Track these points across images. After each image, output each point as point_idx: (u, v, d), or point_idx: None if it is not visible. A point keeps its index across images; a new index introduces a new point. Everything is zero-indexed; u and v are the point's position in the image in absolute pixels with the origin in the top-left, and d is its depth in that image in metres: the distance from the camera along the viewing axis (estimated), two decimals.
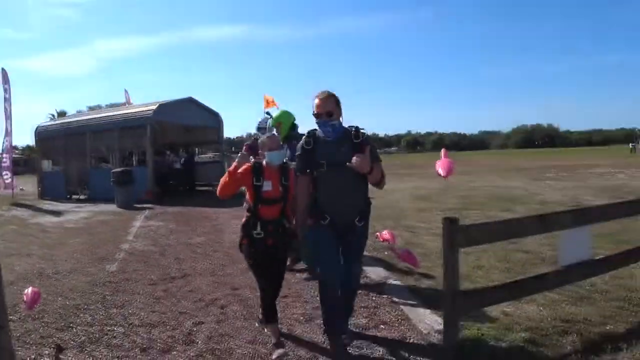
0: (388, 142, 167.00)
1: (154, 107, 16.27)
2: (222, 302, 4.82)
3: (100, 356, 3.60)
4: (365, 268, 5.65)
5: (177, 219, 11.04)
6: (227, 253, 7.12)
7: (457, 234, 3.14)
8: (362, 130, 3.53)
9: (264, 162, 3.62)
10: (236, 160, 3.60)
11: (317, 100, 3.51)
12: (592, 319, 4.10)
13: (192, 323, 4.24)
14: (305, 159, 3.52)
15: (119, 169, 14.75)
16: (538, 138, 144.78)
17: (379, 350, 3.61)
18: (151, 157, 16.38)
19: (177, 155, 18.77)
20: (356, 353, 3.58)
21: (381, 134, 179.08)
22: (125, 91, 26.08)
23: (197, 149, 23.25)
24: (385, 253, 6.49)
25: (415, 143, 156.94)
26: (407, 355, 3.52)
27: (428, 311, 4.35)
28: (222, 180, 3.59)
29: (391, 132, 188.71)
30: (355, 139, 3.49)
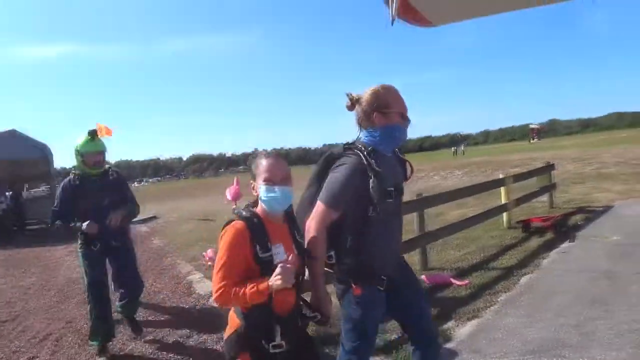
0: (235, 162, 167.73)
1: None
2: (57, 335, 5.01)
3: None
4: (195, 285, 6.28)
5: (6, 263, 10.41)
6: (61, 290, 7.14)
7: None
8: None
9: (259, 210, 2.14)
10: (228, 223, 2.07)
11: (396, 94, 2.50)
12: None
13: (26, 359, 4.43)
14: (378, 188, 2.31)
15: None
16: None
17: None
18: None
19: (1, 194, 17.32)
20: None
21: (228, 153, 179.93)
22: None
23: (25, 184, 21.59)
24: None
25: None
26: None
27: None
28: (218, 279, 1.97)
29: (238, 152, 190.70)
30: (401, 154, 2.69)
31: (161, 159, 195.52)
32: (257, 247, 2.00)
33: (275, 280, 1.89)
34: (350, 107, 2.54)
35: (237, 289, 1.94)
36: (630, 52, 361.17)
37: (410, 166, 2.69)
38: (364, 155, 2.35)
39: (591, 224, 8.25)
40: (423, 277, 5.65)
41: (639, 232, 7.31)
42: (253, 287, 1.92)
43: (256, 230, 2.03)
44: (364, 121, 2.49)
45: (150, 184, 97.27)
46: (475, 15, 6.16)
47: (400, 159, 2.64)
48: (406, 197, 2.93)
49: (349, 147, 2.46)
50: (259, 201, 2.12)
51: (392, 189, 2.41)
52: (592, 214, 9.17)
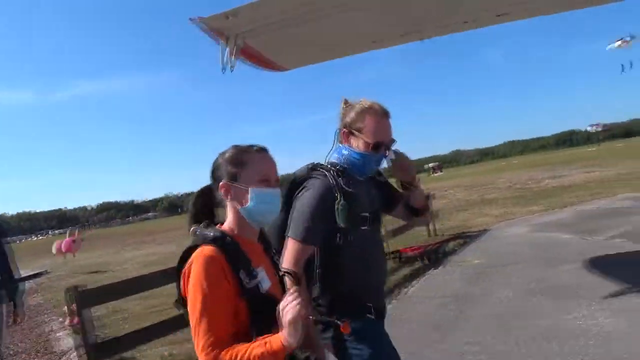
0: (146, 208, 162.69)
1: None
2: None
3: None
4: (60, 342, 6.04)
5: None
6: None
7: (85, 298, 3.84)
8: None
9: (227, 227, 1.59)
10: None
11: (383, 119, 2.11)
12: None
13: None
14: (347, 212, 1.97)
15: None
16: None
17: None
18: None
19: None
20: None
21: (138, 200, 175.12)
22: None
23: None
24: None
25: (174, 206, 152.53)
26: None
27: None
28: (203, 340, 1.33)
29: (149, 197, 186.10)
30: (379, 176, 2.35)
31: (68, 208, 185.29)
32: (242, 275, 1.43)
33: (288, 334, 1.31)
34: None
35: (235, 352, 1.31)
36: (519, 82, 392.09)
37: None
38: (332, 175, 2.03)
39: (463, 249, 8.80)
40: None
41: (499, 254, 7.89)
42: (264, 346, 1.32)
43: (232, 252, 1.45)
44: (339, 135, 2.19)
45: (52, 236, 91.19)
46: (326, 59, 6.58)
47: (379, 183, 2.32)
48: None
49: (314, 168, 2.13)
50: (239, 212, 1.57)
51: (367, 214, 2.09)
52: (467, 239, 9.78)
